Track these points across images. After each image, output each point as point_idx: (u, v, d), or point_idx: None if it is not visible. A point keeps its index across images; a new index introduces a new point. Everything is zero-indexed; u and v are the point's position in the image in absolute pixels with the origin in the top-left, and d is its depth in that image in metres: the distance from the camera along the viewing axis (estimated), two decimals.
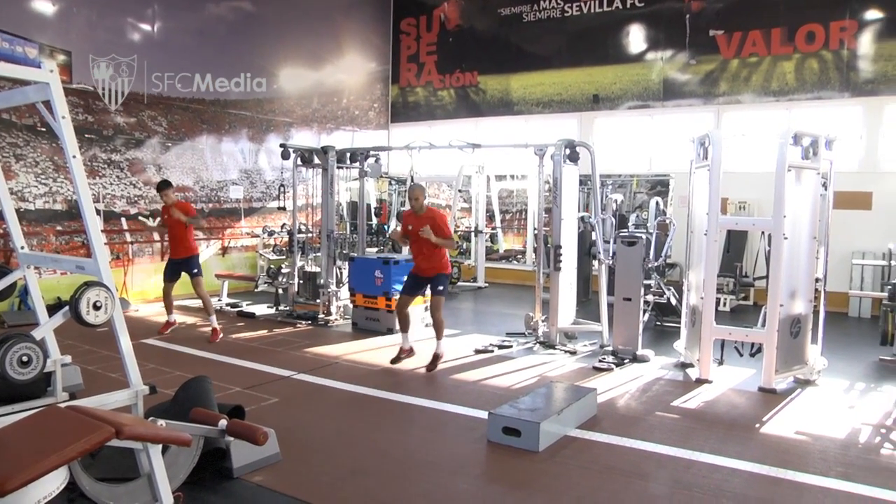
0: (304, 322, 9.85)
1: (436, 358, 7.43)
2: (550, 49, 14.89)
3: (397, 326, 9.10)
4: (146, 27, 11.79)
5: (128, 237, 11.52)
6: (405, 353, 7.71)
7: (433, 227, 7.25)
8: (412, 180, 12.87)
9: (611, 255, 8.40)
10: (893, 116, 11.89)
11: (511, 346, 8.46)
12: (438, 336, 7.47)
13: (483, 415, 5.58)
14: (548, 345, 8.50)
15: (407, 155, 11.57)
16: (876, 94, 11.92)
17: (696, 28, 13.23)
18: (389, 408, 6.26)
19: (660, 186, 13.52)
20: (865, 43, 12.02)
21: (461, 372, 7.27)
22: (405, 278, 7.81)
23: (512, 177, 15.23)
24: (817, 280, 7.38)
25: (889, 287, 7.09)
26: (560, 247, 8.43)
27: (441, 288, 7.44)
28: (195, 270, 8.78)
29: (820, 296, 7.37)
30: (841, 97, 12.24)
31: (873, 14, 11.97)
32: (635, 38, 14.00)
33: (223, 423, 3.90)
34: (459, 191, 13.89)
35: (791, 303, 6.97)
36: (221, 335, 8.76)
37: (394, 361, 7.61)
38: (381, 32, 16.93)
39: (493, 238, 15.47)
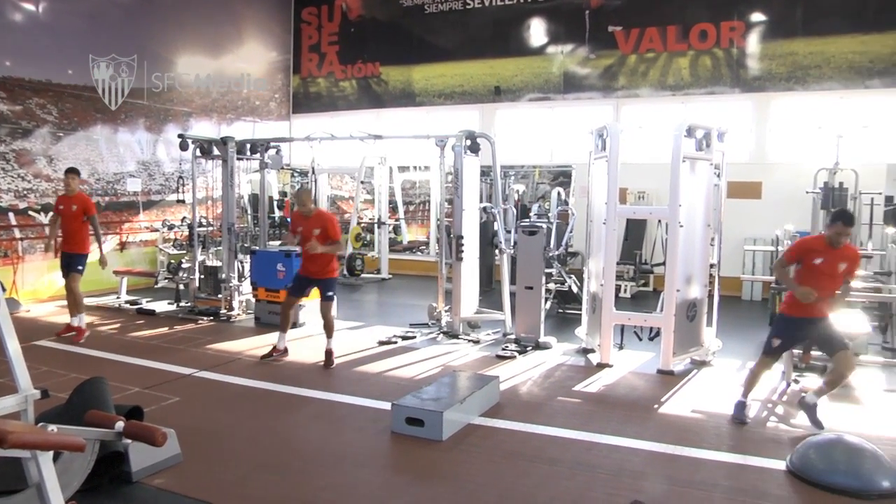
0: (205, 318, 9.60)
1: (329, 354, 7.33)
2: (452, 41, 14.97)
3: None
4: (30, 7, 11.16)
5: (17, 233, 10.93)
6: (278, 352, 7.57)
7: (322, 230, 7.18)
8: (311, 173, 12.71)
9: (512, 244, 8.53)
10: (779, 111, 12.65)
11: (415, 337, 8.49)
12: (329, 335, 7.39)
13: (387, 406, 5.57)
14: (451, 334, 8.58)
15: (308, 146, 11.42)
16: (763, 90, 12.64)
17: (595, 23, 13.58)
18: (293, 402, 6.19)
19: (562, 177, 13.80)
20: (753, 42, 12.73)
21: (365, 364, 7.26)
22: (294, 278, 7.74)
23: (416, 168, 15.22)
24: (712, 266, 7.72)
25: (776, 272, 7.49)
26: (462, 237, 8.50)
27: (330, 294, 7.36)
28: (80, 267, 8.38)
29: (714, 281, 7.72)
30: (732, 92, 12.88)
31: (758, 17, 12.71)
32: (536, 31, 14.24)
33: (120, 424, 3.74)
34: (362, 182, 13.76)
35: (687, 288, 7.26)
36: (85, 337, 8.36)
37: (264, 358, 7.49)
38: (282, 21, 16.61)
39: (396, 229, 15.39)
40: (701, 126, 7.31)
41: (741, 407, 5.74)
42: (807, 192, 10.62)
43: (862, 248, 9.21)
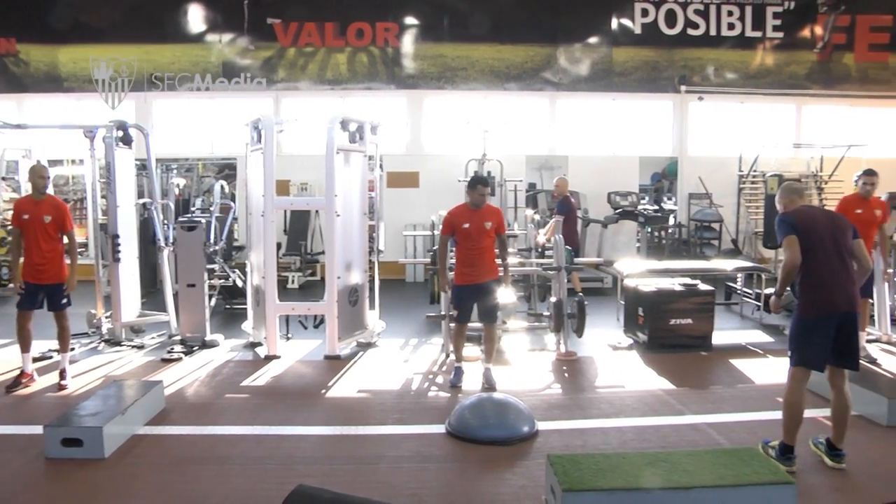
0: None
1: (65, 373, 6.42)
2: (104, 21, 13.52)
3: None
4: None
5: None
6: (27, 377, 6.38)
7: (55, 218, 6.32)
8: None
9: (171, 241, 8.13)
10: (432, 107, 13.71)
11: (73, 349, 7.68)
12: (66, 349, 6.52)
13: (40, 430, 4.89)
14: (114, 342, 7.96)
15: None
16: (416, 87, 13.59)
17: (254, 14, 13.35)
18: None
19: (228, 170, 13.43)
20: (407, 43, 13.62)
21: (12, 386, 6.31)
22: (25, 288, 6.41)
23: (71, 161, 13.69)
24: (376, 252, 8.04)
25: (431, 253, 8.03)
26: (118, 236, 7.93)
27: (65, 301, 6.47)
28: None
29: (374, 266, 8.03)
30: (388, 88, 13.64)
31: (410, 20, 13.66)
32: (194, 18, 13.56)
33: None
34: (3, 178, 12.08)
35: (348, 274, 7.50)
36: None
37: (11, 388, 6.22)
38: None
39: None
40: (354, 119, 7.62)
41: (458, 372, 6.30)
42: (459, 181, 11.46)
43: (509, 229, 10.19)
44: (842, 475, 4.37)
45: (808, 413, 4.77)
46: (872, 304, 7.89)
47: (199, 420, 5.45)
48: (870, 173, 6.99)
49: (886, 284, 7.83)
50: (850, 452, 4.47)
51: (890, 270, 7.70)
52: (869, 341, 7.33)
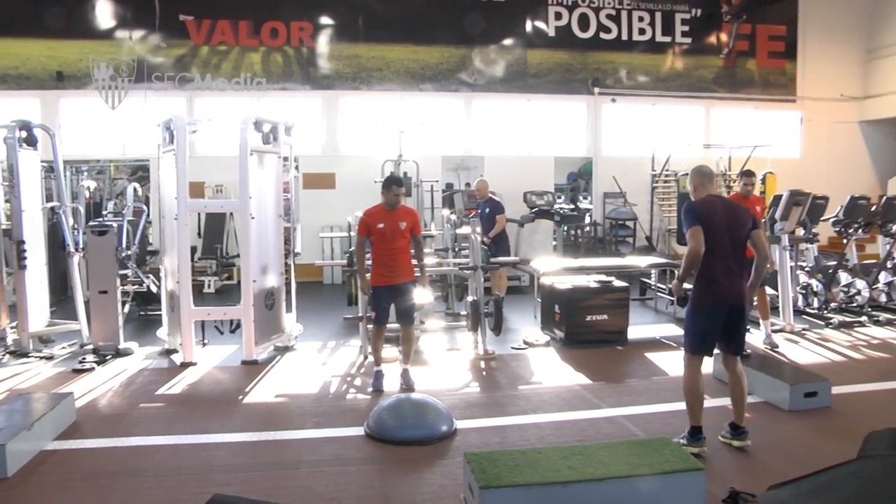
0: None
1: None
2: (2, 13, 12.79)
3: None
4: None
5: None
6: None
7: None
8: None
9: (81, 246, 7.85)
10: (348, 108, 13.67)
11: None
12: None
13: None
14: (20, 353, 7.60)
15: None
16: (332, 87, 13.55)
17: (166, 10, 12.96)
18: None
19: (141, 171, 13.02)
20: (322, 43, 13.55)
21: None
22: None
23: None
24: (292, 254, 7.93)
25: (347, 255, 8.01)
26: (23, 242, 7.59)
27: None
28: None
29: (290, 268, 7.95)
30: (304, 89, 13.54)
31: (325, 20, 13.59)
32: (102, 12, 12.99)
33: None
34: None
35: (263, 278, 7.39)
36: None
37: None
38: None
39: None
40: (268, 120, 7.51)
41: (379, 376, 6.27)
42: (375, 182, 11.40)
43: (426, 229, 10.23)
44: (748, 458, 4.60)
45: (716, 402, 5.01)
46: (774, 297, 8.33)
47: (112, 432, 5.25)
48: (748, 174, 7.66)
49: (790, 277, 8.27)
50: (755, 436, 4.73)
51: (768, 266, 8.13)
52: (774, 331, 7.74)
